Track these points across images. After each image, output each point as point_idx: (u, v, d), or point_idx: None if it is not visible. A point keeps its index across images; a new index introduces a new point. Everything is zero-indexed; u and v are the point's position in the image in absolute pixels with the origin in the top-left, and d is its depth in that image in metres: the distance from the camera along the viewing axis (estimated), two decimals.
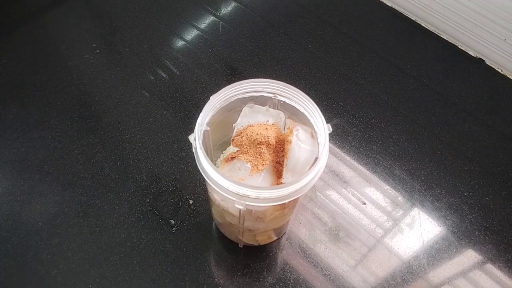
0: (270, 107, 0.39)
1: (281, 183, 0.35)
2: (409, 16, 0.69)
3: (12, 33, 0.62)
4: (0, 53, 0.59)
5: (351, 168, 0.51)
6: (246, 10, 0.67)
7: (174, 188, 0.48)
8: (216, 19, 0.66)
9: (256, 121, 0.38)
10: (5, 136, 0.52)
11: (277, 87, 0.37)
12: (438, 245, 0.46)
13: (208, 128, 0.37)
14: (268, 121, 0.38)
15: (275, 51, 0.61)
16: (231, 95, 0.37)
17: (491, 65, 0.63)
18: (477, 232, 0.47)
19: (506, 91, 0.61)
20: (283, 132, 0.38)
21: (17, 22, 0.64)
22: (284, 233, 0.46)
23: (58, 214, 0.46)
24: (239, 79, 0.37)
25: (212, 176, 0.31)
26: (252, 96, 0.38)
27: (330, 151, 0.49)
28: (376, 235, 0.47)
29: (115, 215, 0.46)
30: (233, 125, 0.38)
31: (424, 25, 0.68)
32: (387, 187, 0.50)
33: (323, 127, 0.34)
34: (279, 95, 0.37)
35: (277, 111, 0.39)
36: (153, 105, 0.55)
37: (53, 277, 0.42)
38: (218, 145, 0.44)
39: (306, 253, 0.45)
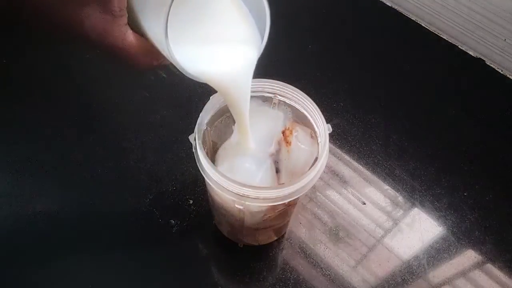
0: (269, 107, 0.39)
1: (281, 183, 0.35)
2: (409, 16, 0.69)
3: (12, 33, 0.62)
4: (0, 53, 0.59)
5: (351, 168, 0.51)
6: None
7: (174, 188, 0.48)
8: None
9: None
10: (5, 136, 0.52)
11: (277, 87, 0.37)
12: (438, 245, 0.46)
13: (208, 128, 0.37)
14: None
15: (275, 51, 0.61)
16: None
17: (491, 65, 0.63)
18: (477, 232, 0.47)
19: (506, 91, 0.61)
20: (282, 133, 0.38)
21: (17, 22, 0.63)
22: (284, 233, 0.46)
23: (58, 214, 0.46)
24: None
25: (212, 176, 0.31)
26: (252, 96, 0.38)
27: (330, 151, 0.49)
28: (376, 235, 0.47)
29: (115, 215, 0.46)
30: (232, 127, 0.38)
31: (424, 25, 0.68)
32: (387, 187, 0.50)
33: (323, 127, 0.34)
34: (279, 95, 0.37)
35: (276, 111, 0.39)
36: (153, 105, 0.55)
37: (53, 277, 0.42)
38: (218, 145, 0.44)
39: (306, 253, 0.45)
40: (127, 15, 0.26)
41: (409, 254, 0.45)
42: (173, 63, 0.25)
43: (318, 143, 0.36)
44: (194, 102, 0.55)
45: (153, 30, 0.25)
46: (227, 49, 0.29)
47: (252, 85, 0.37)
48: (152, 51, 0.27)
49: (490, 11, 0.59)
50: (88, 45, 0.26)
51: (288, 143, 0.37)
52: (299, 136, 0.37)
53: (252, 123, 0.34)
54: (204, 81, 0.28)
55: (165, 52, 0.25)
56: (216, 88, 0.30)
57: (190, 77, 0.27)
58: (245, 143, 0.35)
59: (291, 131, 0.37)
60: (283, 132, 0.37)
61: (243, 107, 0.32)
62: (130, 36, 0.26)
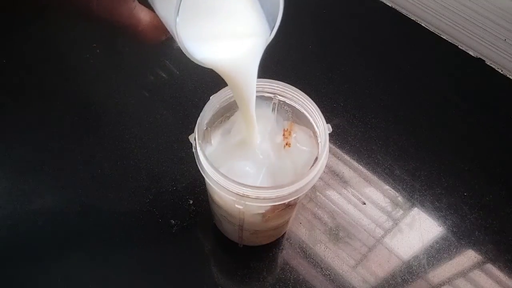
0: (267, 109, 0.39)
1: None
2: (409, 16, 0.69)
3: (12, 33, 0.62)
4: (0, 53, 0.59)
5: (351, 168, 0.51)
6: None
7: (174, 188, 0.48)
8: None
9: None
10: (5, 136, 0.52)
11: (277, 87, 0.37)
12: (438, 245, 0.46)
13: (208, 128, 0.37)
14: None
15: (275, 51, 0.61)
16: (231, 95, 0.36)
17: (491, 65, 0.63)
18: (477, 232, 0.47)
19: (506, 91, 0.61)
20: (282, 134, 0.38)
21: (17, 22, 0.64)
22: (284, 233, 0.46)
23: (58, 214, 0.46)
24: None
25: (212, 176, 0.31)
26: None
27: (330, 151, 0.50)
28: (376, 235, 0.47)
29: (115, 215, 0.46)
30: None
31: (424, 25, 0.68)
32: (387, 187, 0.50)
33: (323, 127, 0.34)
34: (279, 95, 0.37)
35: (274, 114, 0.39)
36: (153, 105, 0.55)
37: (53, 277, 0.42)
38: None
39: (306, 253, 0.45)
40: None
41: (409, 254, 0.46)
42: (180, 47, 0.25)
43: (318, 143, 0.36)
44: (194, 102, 0.55)
45: (163, 11, 0.25)
46: (234, 34, 0.28)
47: None
48: (160, 26, 0.27)
49: (490, 11, 0.59)
50: (95, 22, 0.26)
51: (287, 144, 0.37)
52: (298, 137, 0.37)
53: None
54: (210, 66, 0.28)
55: (173, 34, 0.25)
56: (221, 74, 0.30)
57: (196, 62, 0.26)
58: (251, 136, 0.35)
59: (290, 132, 0.37)
60: (283, 134, 0.37)
61: (249, 95, 0.31)
62: (138, 13, 0.26)
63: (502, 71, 0.63)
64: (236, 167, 0.35)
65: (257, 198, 0.31)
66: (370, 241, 0.46)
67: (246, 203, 0.31)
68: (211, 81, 0.57)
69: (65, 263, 0.43)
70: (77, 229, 0.45)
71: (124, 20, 0.26)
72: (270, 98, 0.38)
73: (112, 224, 0.46)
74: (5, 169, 0.49)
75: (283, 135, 0.37)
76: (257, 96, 0.38)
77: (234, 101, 0.37)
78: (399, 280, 0.44)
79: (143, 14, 0.26)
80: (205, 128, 0.36)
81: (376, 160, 0.52)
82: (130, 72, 0.59)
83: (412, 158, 0.52)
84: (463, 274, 0.45)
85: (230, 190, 0.31)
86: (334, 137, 0.54)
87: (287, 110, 0.39)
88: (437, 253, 0.46)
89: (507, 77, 0.62)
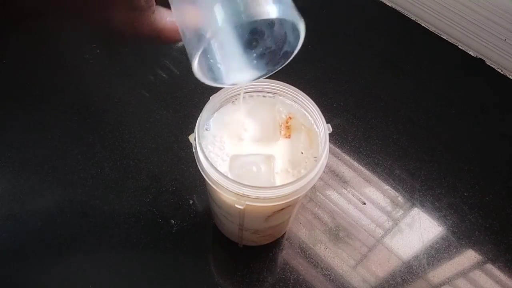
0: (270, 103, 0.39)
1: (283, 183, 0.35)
2: (409, 16, 0.69)
3: (12, 33, 0.62)
4: (0, 53, 0.59)
5: (351, 168, 0.51)
6: None
7: (174, 188, 0.48)
8: None
9: None
10: (5, 136, 0.52)
11: (277, 87, 0.37)
12: (438, 245, 0.46)
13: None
14: None
15: None
16: (231, 95, 0.37)
17: (491, 65, 0.63)
18: (477, 232, 0.47)
19: (506, 91, 0.61)
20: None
21: (17, 22, 0.64)
22: (284, 233, 0.46)
23: (58, 214, 0.46)
24: None
25: (212, 176, 0.31)
26: (253, 95, 0.38)
27: (330, 151, 0.49)
28: (376, 235, 0.47)
29: (115, 215, 0.46)
30: None
31: (424, 25, 0.68)
32: (387, 187, 0.50)
33: (323, 127, 0.34)
34: (279, 95, 0.37)
35: (277, 106, 0.39)
36: (153, 105, 0.55)
37: (53, 277, 0.42)
38: None
39: (306, 253, 0.45)
40: (154, 4, 0.26)
41: (409, 254, 0.46)
42: (193, 71, 0.26)
43: (318, 142, 0.36)
44: (194, 102, 0.55)
45: (185, 41, 0.26)
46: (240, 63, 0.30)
47: (252, 85, 0.37)
48: (178, 30, 0.27)
49: (490, 11, 0.59)
50: (116, 35, 0.28)
51: (288, 136, 0.37)
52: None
53: (254, 118, 0.34)
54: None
55: (189, 58, 0.25)
56: None
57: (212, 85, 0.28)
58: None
59: (291, 117, 0.37)
60: (285, 125, 0.38)
61: None
62: (157, 23, 0.27)
63: (502, 71, 0.63)
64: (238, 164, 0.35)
65: (257, 198, 0.31)
66: (370, 241, 0.46)
67: (246, 203, 0.31)
68: None
69: (65, 263, 0.43)
70: (77, 229, 0.45)
71: (145, 32, 0.27)
72: (270, 98, 0.38)
73: (112, 224, 0.46)
74: (5, 169, 0.49)
75: (284, 126, 0.37)
76: (257, 96, 0.38)
77: (234, 101, 0.37)
78: (399, 280, 0.44)
79: (161, 23, 0.27)
80: (205, 129, 0.36)
81: (376, 160, 0.52)
82: (130, 72, 0.59)
83: (412, 158, 0.52)
84: (463, 274, 0.45)
85: (230, 190, 0.31)
86: (334, 137, 0.54)
87: (287, 103, 0.39)
88: (437, 253, 0.46)
89: (507, 77, 0.62)
